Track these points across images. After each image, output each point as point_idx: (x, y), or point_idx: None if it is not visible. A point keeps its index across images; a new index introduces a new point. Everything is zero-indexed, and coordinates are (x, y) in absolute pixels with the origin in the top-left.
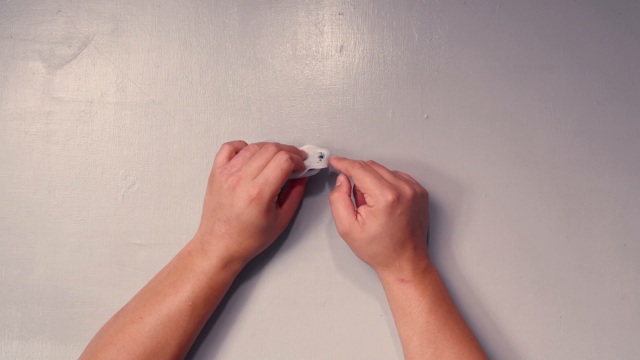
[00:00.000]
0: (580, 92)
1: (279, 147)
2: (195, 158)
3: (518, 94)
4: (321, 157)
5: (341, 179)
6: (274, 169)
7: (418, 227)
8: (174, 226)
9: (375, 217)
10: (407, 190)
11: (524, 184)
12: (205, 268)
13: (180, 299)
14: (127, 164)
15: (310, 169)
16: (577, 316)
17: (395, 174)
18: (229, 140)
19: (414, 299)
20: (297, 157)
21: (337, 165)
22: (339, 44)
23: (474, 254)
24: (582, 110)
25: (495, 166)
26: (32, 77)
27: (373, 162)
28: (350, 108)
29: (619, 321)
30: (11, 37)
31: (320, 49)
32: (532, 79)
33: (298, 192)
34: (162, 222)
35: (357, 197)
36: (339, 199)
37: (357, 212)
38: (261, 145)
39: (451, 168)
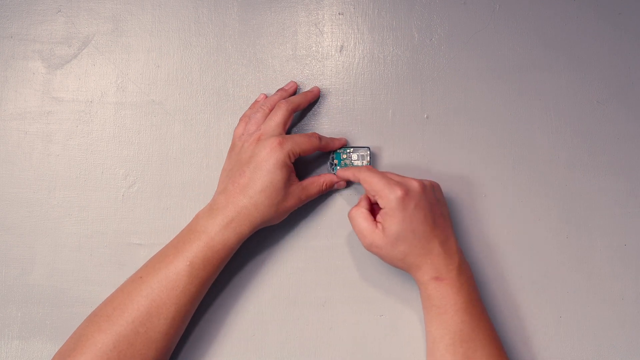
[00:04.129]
0: (580, 92)
1: (289, 103)
2: (195, 158)
3: (518, 94)
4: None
5: (362, 197)
6: (298, 135)
7: (439, 218)
8: (174, 226)
9: (391, 217)
10: (414, 183)
11: (524, 184)
12: (207, 227)
13: (179, 258)
14: (127, 164)
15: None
16: (577, 316)
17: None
18: (229, 140)
19: (449, 297)
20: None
21: (344, 174)
22: (339, 44)
23: (474, 254)
24: (582, 110)
25: (495, 166)
26: (32, 77)
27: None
28: (350, 108)
29: (619, 321)
30: (11, 37)
31: (320, 49)
32: (532, 79)
33: (318, 184)
34: (162, 222)
35: (374, 211)
36: (356, 213)
37: (376, 221)
38: (269, 103)
39: (451, 168)
